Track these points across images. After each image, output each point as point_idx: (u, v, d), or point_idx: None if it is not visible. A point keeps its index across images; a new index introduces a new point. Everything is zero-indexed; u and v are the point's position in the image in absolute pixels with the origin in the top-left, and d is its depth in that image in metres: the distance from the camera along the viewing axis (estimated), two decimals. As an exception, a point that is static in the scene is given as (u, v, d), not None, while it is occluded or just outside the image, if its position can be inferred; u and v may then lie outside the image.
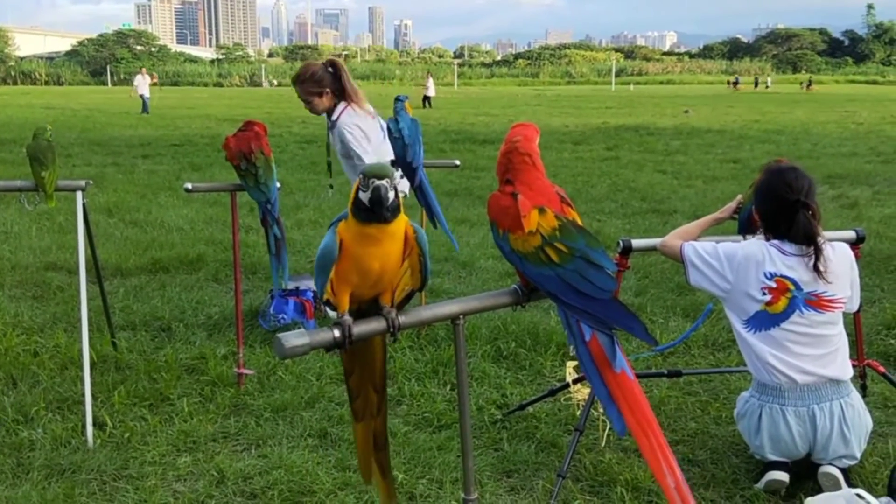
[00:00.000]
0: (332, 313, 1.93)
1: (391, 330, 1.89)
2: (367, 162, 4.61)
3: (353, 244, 1.86)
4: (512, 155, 2.09)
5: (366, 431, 2.17)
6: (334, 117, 4.79)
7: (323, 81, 4.76)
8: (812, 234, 3.03)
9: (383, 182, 1.79)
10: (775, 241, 3.09)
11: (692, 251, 3.17)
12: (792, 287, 3.03)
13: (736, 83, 63.42)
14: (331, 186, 4.95)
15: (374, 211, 1.81)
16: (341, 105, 4.80)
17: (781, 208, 3.06)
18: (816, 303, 3.04)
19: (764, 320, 3.07)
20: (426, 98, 35.56)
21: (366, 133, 4.75)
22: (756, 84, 66.45)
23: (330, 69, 4.79)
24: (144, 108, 28.78)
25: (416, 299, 5.04)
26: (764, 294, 3.04)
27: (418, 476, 3.24)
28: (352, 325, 1.83)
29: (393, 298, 1.97)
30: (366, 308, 1.95)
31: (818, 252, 3.02)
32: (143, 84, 30.07)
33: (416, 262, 1.96)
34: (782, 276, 3.03)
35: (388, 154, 4.85)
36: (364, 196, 1.81)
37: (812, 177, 3.13)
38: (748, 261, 3.07)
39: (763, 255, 3.07)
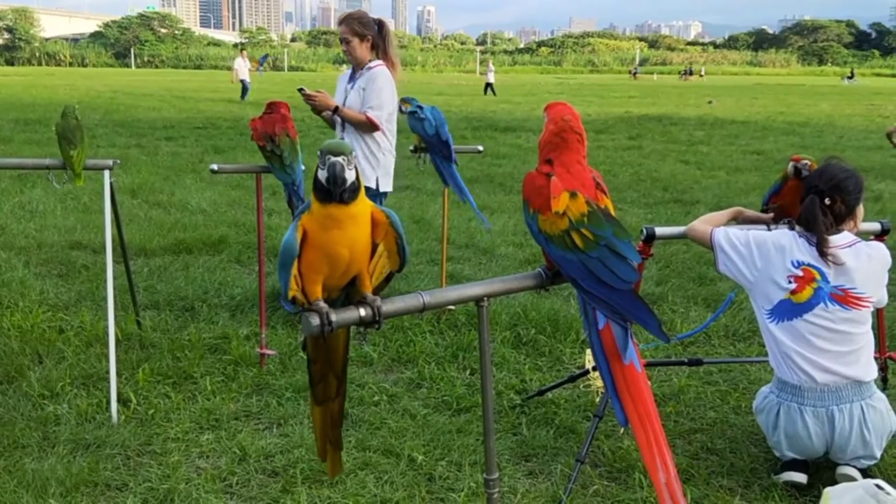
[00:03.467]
0: (289, 308, 1.93)
1: (377, 318, 1.86)
2: (381, 119, 4.60)
3: (318, 232, 1.82)
4: (566, 134, 2.09)
5: (324, 413, 2.20)
6: (371, 65, 4.70)
7: (369, 28, 4.71)
8: (812, 219, 3.02)
9: (339, 159, 1.77)
10: (805, 233, 3.06)
11: (723, 237, 3.14)
12: (818, 277, 3.00)
13: (634, 73, 68.22)
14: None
15: (331, 189, 1.78)
16: (377, 61, 4.74)
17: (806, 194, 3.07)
18: (843, 298, 3.00)
19: (787, 310, 3.04)
20: (488, 85, 34.75)
21: (393, 99, 4.68)
22: (690, 73, 69.24)
23: (377, 26, 4.76)
24: (244, 94, 26.51)
25: (437, 284, 5.06)
26: (790, 282, 3.02)
27: (437, 458, 3.27)
28: (329, 312, 1.81)
29: (371, 283, 1.95)
30: (342, 296, 1.95)
31: (821, 238, 3.00)
32: (242, 68, 27.26)
33: (393, 244, 1.94)
34: (809, 265, 3.01)
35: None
36: (322, 174, 1.78)
37: (847, 177, 3.07)
38: (777, 249, 3.06)
39: (792, 243, 3.05)
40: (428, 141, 4.76)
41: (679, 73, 69.79)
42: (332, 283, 1.89)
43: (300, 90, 4.59)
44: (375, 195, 4.66)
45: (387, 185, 4.77)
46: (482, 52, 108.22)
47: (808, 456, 3.10)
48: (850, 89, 43.60)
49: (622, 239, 1.99)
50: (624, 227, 2.03)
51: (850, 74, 63.90)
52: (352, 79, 4.80)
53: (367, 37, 4.68)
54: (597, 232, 1.98)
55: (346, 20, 4.74)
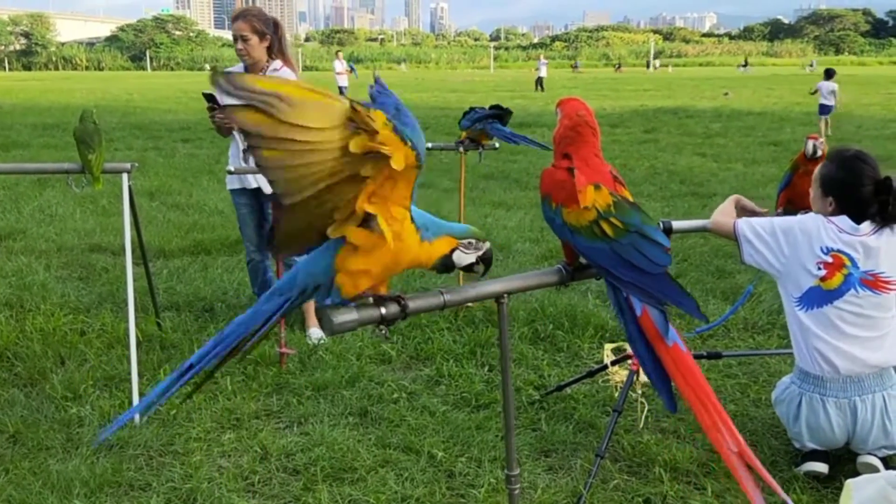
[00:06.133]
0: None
1: (406, 314, 1.88)
2: None
3: (407, 255, 1.81)
4: (581, 128, 2.10)
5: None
6: (275, 66, 4.49)
7: (268, 26, 4.46)
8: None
9: (488, 245, 1.89)
10: (833, 218, 3.03)
11: (747, 228, 3.10)
12: (848, 263, 2.97)
13: (575, 66, 72.60)
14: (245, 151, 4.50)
15: (480, 271, 1.89)
16: (279, 62, 4.50)
17: (869, 190, 3.02)
18: (873, 283, 2.98)
19: (817, 297, 3.01)
20: (539, 80, 34.59)
21: None
22: (648, 66, 75.61)
23: (273, 25, 4.51)
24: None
25: (454, 280, 5.07)
26: (819, 269, 2.99)
27: (457, 454, 3.28)
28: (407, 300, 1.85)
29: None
30: None
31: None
32: (341, 72, 24.90)
33: None
34: (839, 251, 2.98)
35: None
36: (466, 257, 1.87)
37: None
38: (804, 234, 3.02)
39: (819, 229, 3.01)
40: (480, 113, 4.96)
41: (615, 66, 71.82)
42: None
43: (208, 99, 4.26)
44: None
45: None
46: (496, 49, 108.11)
47: (830, 446, 3.10)
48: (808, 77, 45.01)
49: (650, 225, 2.00)
50: (649, 215, 2.04)
51: (744, 63, 69.61)
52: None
53: (266, 35, 4.46)
54: (625, 220, 1.98)
55: (244, 16, 4.47)
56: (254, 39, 4.42)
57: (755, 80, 42.65)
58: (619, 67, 69.16)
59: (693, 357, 3.83)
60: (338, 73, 24.84)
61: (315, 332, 4.58)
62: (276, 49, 4.52)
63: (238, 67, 4.63)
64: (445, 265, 1.88)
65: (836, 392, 3.02)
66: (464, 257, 1.86)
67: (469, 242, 1.87)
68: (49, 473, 3.12)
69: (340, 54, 26.60)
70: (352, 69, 26.87)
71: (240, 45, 4.44)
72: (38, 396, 3.83)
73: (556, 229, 2.08)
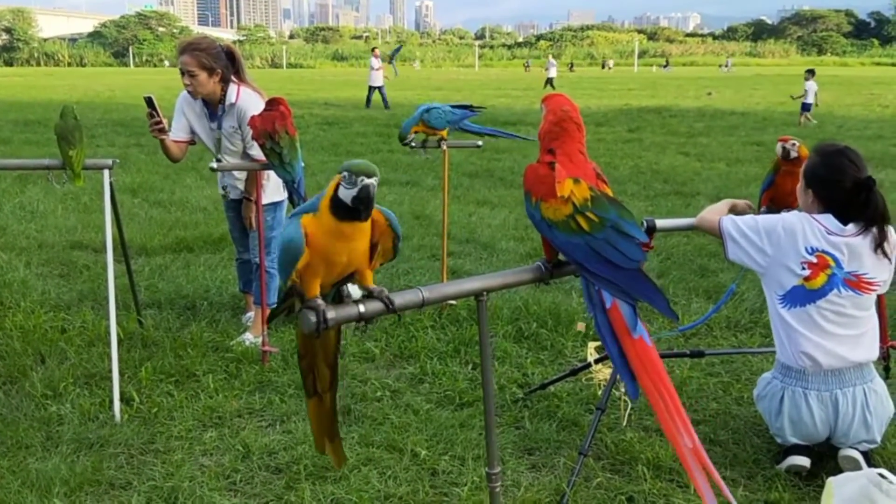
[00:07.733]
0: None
1: (390, 310, 1.89)
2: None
3: (322, 239, 1.83)
4: (566, 123, 2.11)
5: (319, 406, 2.24)
6: (231, 100, 4.34)
7: (218, 60, 4.29)
8: (885, 211, 2.99)
9: (372, 181, 1.78)
10: (818, 217, 3.04)
11: (731, 225, 3.12)
12: (832, 264, 2.99)
13: (527, 66, 74.12)
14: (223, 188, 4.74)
15: (359, 210, 1.79)
16: (233, 87, 4.36)
17: (850, 188, 3.00)
18: (856, 283, 3.00)
19: (800, 296, 3.03)
20: (549, 80, 34.48)
21: None
22: (603, 66, 77.41)
23: (226, 54, 4.35)
24: (385, 104, 22.50)
25: (438, 279, 5.06)
26: (803, 269, 3.00)
27: (440, 453, 3.27)
28: (326, 309, 1.80)
29: (371, 277, 1.98)
30: (333, 292, 1.98)
31: (882, 233, 3.00)
32: (377, 72, 22.97)
33: (390, 243, 1.98)
34: (824, 251, 2.99)
35: None
36: (348, 193, 1.79)
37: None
38: (788, 233, 3.03)
39: (804, 229, 3.02)
40: (459, 114, 4.94)
41: (568, 65, 71.73)
42: (325, 282, 1.92)
43: (148, 103, 4.12)
44: (276, 204, 4.59)
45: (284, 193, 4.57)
46: (481, 47, 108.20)
47: (811, 441, 3.12)
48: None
49: (627, 219, 2.01)
50: (628, 209, 2.04)
51: (665, 63, 73.26)
52: (213, 117, 4.45)
53: (215, 70, 4.27)
54: (602, 214, 1.99)
55: (190, 50, 4.24)
56: (202, 75, 4.26)
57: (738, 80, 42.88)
58: (571, 67, 69.84)
59: (676, 355, 3.88)
60: (375, 70, 22.95)
61: (249, 337, 4.51)
62: (234, 74, 4.38)
63: (194, 101, 4.48)
64: (339, 207, 1.81)
65: (817, 385, 3.05)
66: (346, 192, 1.79)
67: (345, 175, 1.79)
68: (28, 472, 3.09)
69: (377, 51, 24.63)
70: (391, 58, 25.44)
71: (187, 80, 4.29)
72: (18, 394, 3.80)
73: (537, 224, 2.09)
